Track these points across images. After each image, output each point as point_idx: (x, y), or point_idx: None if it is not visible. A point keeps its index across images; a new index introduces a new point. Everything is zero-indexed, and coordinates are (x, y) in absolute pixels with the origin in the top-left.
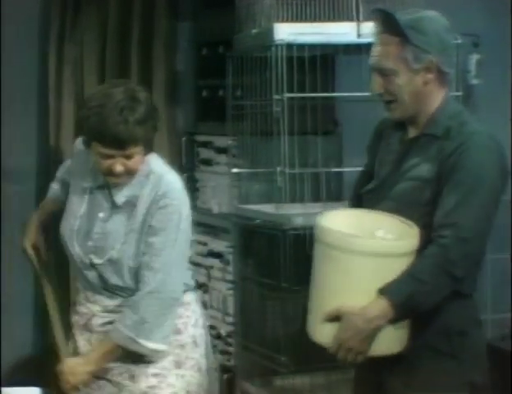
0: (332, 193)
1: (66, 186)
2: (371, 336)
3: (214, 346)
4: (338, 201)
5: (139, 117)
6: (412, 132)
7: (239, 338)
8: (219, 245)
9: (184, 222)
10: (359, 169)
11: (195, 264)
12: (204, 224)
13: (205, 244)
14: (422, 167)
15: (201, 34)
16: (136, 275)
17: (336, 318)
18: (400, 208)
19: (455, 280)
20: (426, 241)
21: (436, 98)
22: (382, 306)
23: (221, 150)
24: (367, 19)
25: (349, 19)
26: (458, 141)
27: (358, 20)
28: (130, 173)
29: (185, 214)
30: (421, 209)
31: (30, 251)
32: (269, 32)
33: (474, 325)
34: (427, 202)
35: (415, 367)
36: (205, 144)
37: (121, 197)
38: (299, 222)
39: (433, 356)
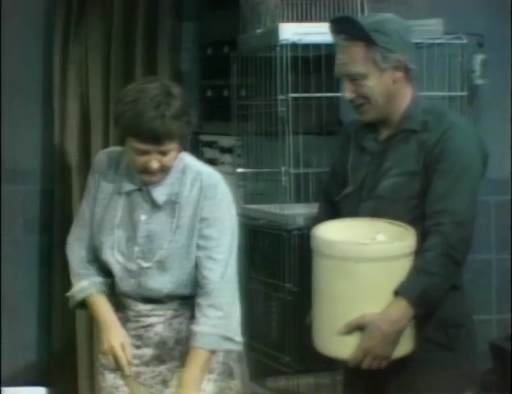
0: None
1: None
2: (396, 338)
3: None
4: None
5: (174, 112)
6: (385, 132)
7: (243, 338)
8: None
9: (233, 209)
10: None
11: None
12: None
13: None
14: (405, 162)
15: (205, 34)
16: (185, 275)
17: (357, 327)
18: (384, 207)
19: (458, 265)
20: (420, 234)
21: (406, 95)
22: (402, 306)
23: (226, 150)
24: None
25: None
26: (439, 131)
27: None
28: (164, 170)
29: (232, 202)
30: (408, 203)
31: (120, 353)
32: (274, 32)
33: (467, 317)
34: (415, 195)
35: (414, 362)
36: (210, 144)
37: (161, 196)
38: (303, 222)
39: (432, 350)
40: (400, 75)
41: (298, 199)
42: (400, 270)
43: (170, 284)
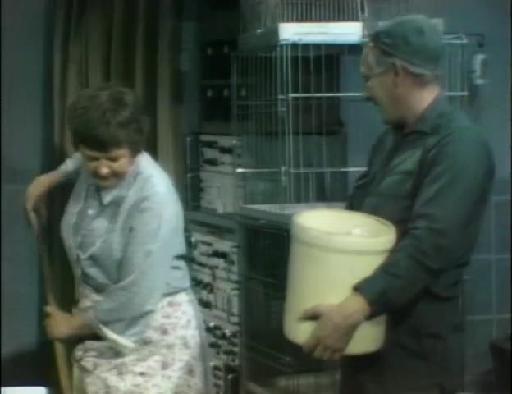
0: (337, 193)
1: (77, 169)
2: (348, 333)
3: (219, 346)
4: (343, 201)
5: (121, 120)
6: (402, 132)
7: (243, 338)
8: (224, 245)
9: (164, 226)
10: (364, 169)
11: (200, 264)
12: (209, 224)
13: (210, 244)
14: (407, 162)
15: (206, 34)
16: (117, 273)
17: (313, 316)
18: (382, 203)
19: (430, 272)
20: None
21: (422, 99)
22: (358, 302)
23: (226, 150)
24: (372, 19)
25: (354, 19)
26: (442, 135)
27: (363, 20)
28: (116, 175)
29: (167, 218)
30: (401, 203)
31: (31, 213)
32: (274, 32)
33: (450, 329)
34: (406, 195)
35: (387, 365)
36: (210, 144)
37: (107, 197)
38: None
39: (404, 355)
40: (400, 79)
41: (298, 199)
42: (368, 266)
43: (105, 278)
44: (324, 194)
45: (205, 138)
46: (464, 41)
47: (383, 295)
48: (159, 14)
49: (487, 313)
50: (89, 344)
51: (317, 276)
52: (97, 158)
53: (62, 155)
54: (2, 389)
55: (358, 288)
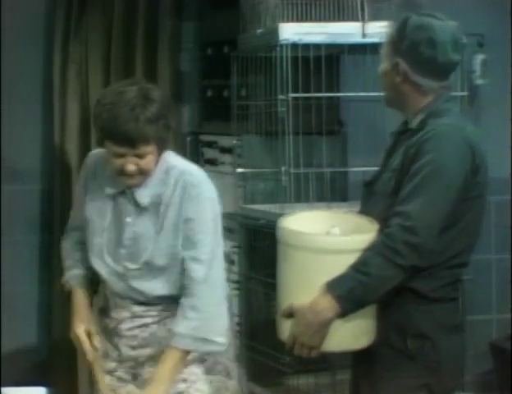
0: (337, 193)
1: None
2: (320, 330)
3: None
4: (343, 201)
5: (150, 116)
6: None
7: (243, 338)
8: (224, 245)
9: (217, 209)
10: (364, 169)
11: None
12: None
13: None
14: (396, 159)
15: (206, 34)
16: (172, 275)
17: (290, 314)
18: (376, 201)
19: (402, 269)
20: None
21: (423, 100)
22: (327, 300)
23: (226, 150)
24: (372, 19)
25: (354, 19)
26: (423, 132)
27: (363, 20)
28: (143, 173)
29: (216, 201)
30: (387, 200)
31: (84, 337)
32: (274, 32)
33: (440, 331)
34: (391, 192)
35: (376, 364)
36: (210, 144)
37: (145, 198)
38: None
39: (392, 355)
40: (401, 81)
41: (298, 199)
42: (342, 264)
43: (159, 285)
44: (324, 194)
45: (205, 138)
46: (464, 41)
47: (352, 292)
48: (159, 14)
49: (487, 313)
50: (126, 356)
51: (295, 275)
52: (123, 155)
53: (62, 155)
54: (2, 389)
55: (327, 286)
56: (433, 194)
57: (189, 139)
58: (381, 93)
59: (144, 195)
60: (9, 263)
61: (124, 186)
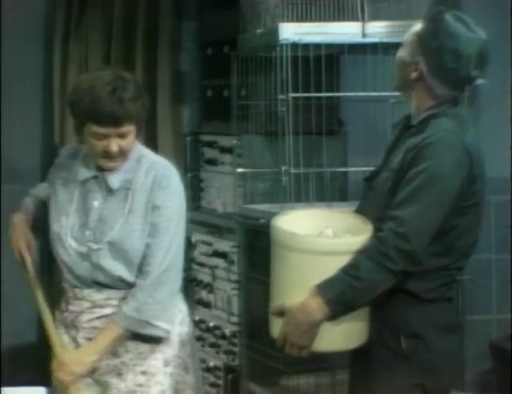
0: (337, 193)
1: (38, 200)
2: (310, 330)
3: (219, 347)
4: (343, 201)
5: (131, 96)
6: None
7: (243, 338)
8: (224, 245)
9: (183, 201)
10: (364, 169)
11: (200, 264)
12: (209, 224)
13: (210, 244)
14: (396, 158)
15: (206, 34)
16: (136, 258)
17: (280, 313)
18: (373, 199)
19: (393, 274)
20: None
21: (431, 99)
22: (318, 302)
23: (226, 150)
24: (372, 19)
25: (354, 19)
26: (423, 136)
27: (363, 19)
28: (123, 154)
29: (183, 197)
30: (383, 200)
31: (25, 248)
32: (274, 32)
33: (435, 331)
34: (387, 193)
35: (371, 364)
36: (210, 144)
37: (116, 182)
38: None
39: (386, 355)
40: (415, 76)
41: (298, 199)
42: (333, 266)
43: (121, 266)
44: (324, 193)
45: (205, 138)
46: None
47: (341, 296)
48: (159, 14)
49: (487, 313)
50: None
51: (286, 275)
52: (107, 136)
53: None
54: (2, 389)
55: (318, 288)
56: (427, 202)
57: (189, 139)
58: (381, 94)
59: (115, 180)
60: (9, 263)
61: (96, 171)
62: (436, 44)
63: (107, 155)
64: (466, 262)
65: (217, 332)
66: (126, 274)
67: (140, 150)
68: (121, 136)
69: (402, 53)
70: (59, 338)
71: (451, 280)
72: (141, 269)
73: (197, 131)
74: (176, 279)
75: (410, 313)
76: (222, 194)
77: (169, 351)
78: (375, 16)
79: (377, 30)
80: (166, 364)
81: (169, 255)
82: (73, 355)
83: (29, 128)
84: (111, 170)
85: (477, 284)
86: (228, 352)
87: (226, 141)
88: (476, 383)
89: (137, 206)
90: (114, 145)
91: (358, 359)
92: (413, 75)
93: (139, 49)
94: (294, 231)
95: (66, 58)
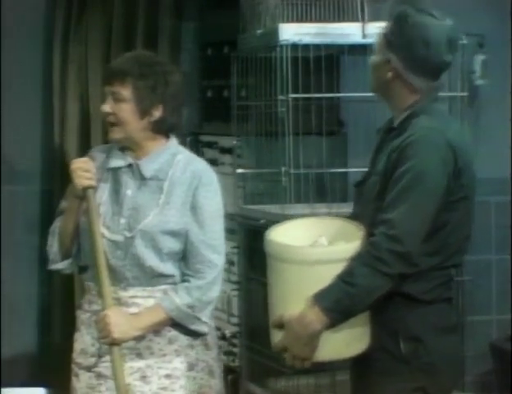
0: (337, 193)
1: None
2: (310, 342)
3: (219, 347)
4: (343, 201)
5: (136, 68)
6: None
7: (243, 339)
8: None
9: (222, 200)
10: (364, 169)
11: None
12: None
13: None
14: (381, 161)
15: (206, 35)
16: (166, 249)
17: (280, 325)
18: (363, 205)
19: (389, 278)
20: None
21: (410, 97)
22: (314, 312)
23: (226, 150)
24: (372, 19)
25: (354, 19)
26: (404, 136)
27: (363, 20)
28: (119, 124)
29: (221, 196)
30: (373, 205)
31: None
32: (274, 32)
33: (434, 333)
34: (376, 197)
35: (371, 368)
36: (210, 145)
37: (149, 170)
38: None
39: (386, 358)
40: (390, 74)
41: (298, 199)
42: (328, 274)
43: (152, 254)
44: (324, 194)
45: (205, 138)
46: (464, 41)
47: (339, 304)
48: (159, 14)
49: (487, 313)
50: (106, 349)
51: (283, 286)
52: (107, 99)
53: (62, 155)
54: (2, 389)
55: (314, 298)
56: (415, 201)
57: (189, 139)
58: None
59: (148, 168)
60: (9, 263)
61: (130, 160)
62: (405, 38)
63: (105, 118)
64: (461, 258)
65: (217, 332)
66: (157, 263)
67: (177, 147)
68: (116, 99)
69: (373, 57)
70: (110, 290)
71: (449, 279)
72: (189, 266)
73: (197, 132)
74: (222, 278)
75: (409, 315)
76: (222, 195)
77: (192, 355)
78: (375, 17)
79: (377, 31)
80: (190, 367)
81: (221, 255)
82: (118, 316)
83: (29, 128)
84: (112, 142)
85: (477, 285)
86: (228, 353)
87: (226, 142)
88: (476, 384)
89: (174, 198)
90: (106, 105)
91: (358, 364)
92: (389, 74)
93: (139, 49)
94: (287, 242)
95: (65, 58)
